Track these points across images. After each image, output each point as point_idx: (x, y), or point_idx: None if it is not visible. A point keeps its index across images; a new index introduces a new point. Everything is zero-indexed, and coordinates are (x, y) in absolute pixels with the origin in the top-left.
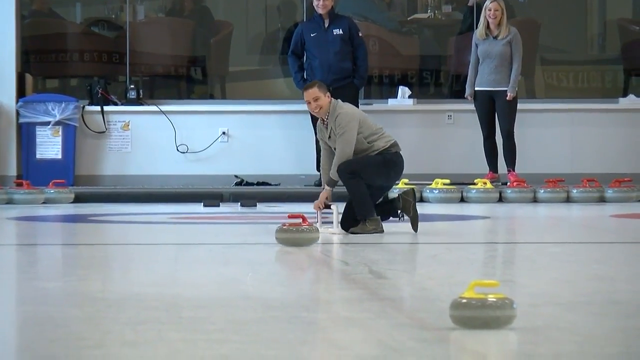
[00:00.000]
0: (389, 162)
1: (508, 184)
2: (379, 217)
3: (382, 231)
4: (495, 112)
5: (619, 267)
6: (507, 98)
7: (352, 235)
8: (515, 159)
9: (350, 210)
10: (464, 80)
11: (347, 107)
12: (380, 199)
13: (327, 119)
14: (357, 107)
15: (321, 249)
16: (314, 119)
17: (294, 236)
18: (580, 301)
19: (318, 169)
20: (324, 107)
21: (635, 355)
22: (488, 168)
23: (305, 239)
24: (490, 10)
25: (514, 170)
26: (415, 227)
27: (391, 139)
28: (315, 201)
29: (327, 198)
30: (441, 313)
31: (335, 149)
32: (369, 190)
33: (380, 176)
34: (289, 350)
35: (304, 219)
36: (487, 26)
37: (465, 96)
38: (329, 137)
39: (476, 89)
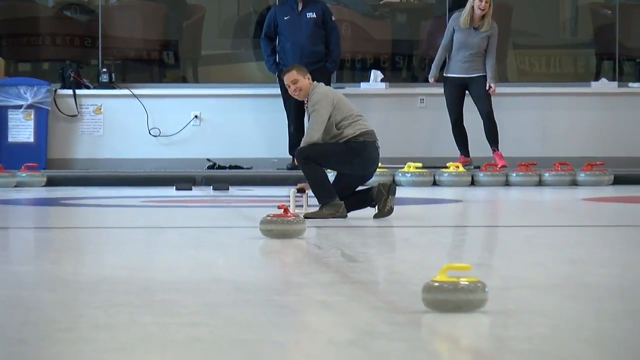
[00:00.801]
0: (352, 151)
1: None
2: (342, 201)
3: (344, 216)
4: (463, 99)
5: (591, 250)
6: (491, 90)
7: (329, 219)
8: (497, 138)
9: (339, 185)
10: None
11: (324, 88)
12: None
13: (307, 102)
14: None
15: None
16: (287, 103)
17: (281, 228)
18: (552, 284)
19: (291, 152)
20: (304, 89)
21: (608, 338)
22: (459, 152)
23: (292, 231)
24: (481, 1)
25: (498, 150)
26: (376, 216)
27: (363, 127)
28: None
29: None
30: (413, 296)
31: None
32: (348, 179)
33: (342, 165)
34: (261, 333)
35: (286, 210)
36: (471, 16)
37: (429, 77)
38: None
39: (448, 75)
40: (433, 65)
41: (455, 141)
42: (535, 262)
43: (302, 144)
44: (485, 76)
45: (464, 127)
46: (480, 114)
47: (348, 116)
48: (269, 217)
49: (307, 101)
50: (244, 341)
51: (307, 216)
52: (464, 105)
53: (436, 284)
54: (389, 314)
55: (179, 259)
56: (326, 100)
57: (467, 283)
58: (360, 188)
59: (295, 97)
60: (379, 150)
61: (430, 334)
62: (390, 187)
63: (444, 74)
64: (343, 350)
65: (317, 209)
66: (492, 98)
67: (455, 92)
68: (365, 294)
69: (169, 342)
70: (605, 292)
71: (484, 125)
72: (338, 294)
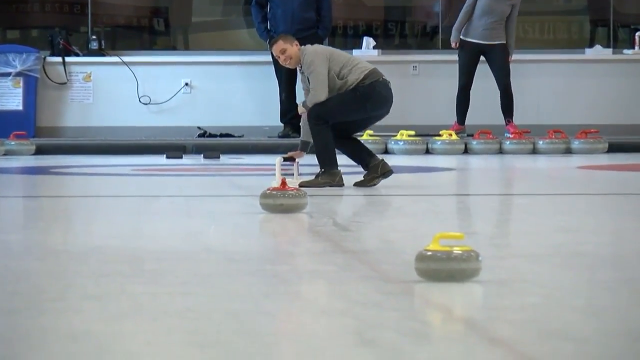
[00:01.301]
0: (362, 96)
1: (507, 135)
2: (339, 170)
3: (341, 185)
4: (476, 66)
5: (585, 219)
6: (510, 59)
7: (321, 187)
8: (513, 110)
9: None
10: (430, 30)
11: (313, 47)
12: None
13: (301, 67)
14: None
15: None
16: (278, 70)
17: (282, 202)
18: (545, 253)
19: (282, 120)
20: (293, 57)
21: (601, 307)
22: (455, 119)
23: (293, 205)
24: None
25: (512, 121)
26: (356, 185)
27: (365, 69)
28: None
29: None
30: (406, 265)
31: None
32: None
33: (355, 112)
34: (252, 303)
35: (284, 183)
36: None
37: (451, 42)
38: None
39: (467, 39)
40: (455, 29)
41: (457, 107)
42: (528, 230)
43: (309, 105)
44: (504, 44)
45: (470, 95)
46: (497, 84)
47: (346, 64)
48: (269, 191)
49: (301, 66)
50: (235, 311)
51: (303, 184)
52: (474, 73)
53: (429, 253)
54: (381, 283)
55: (170, 228)
56: (319, 57)
57: (460, 252)
58: (368, 148)
59: (287, 66)
60: (389, 84)
61: (423, 304)
62: (387, 173)
63: (461, 37)
64: (335, 320)
65: (308, 178)
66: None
67: (472, 57)
68: (357, 263)
69: (159, 313)
70: (599, 260)
71: (501, 96)
72: (330, 263)
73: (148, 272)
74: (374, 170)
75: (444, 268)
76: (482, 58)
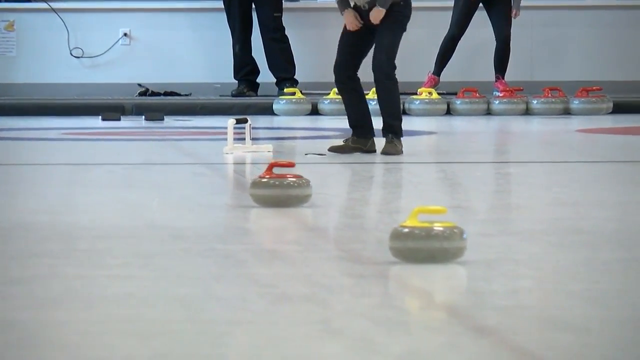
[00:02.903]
0: (405, 20)
1: (496, 94)
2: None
3: (373, 151)
4: (473, 16)
5: (585, 190)
6: (514, 14)
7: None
8: (507, 66)
9: (358, 114)
10: None
11: None
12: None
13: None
14: None
15: (237, 169)
16: (232, 18)
17: (279, 193)
18: (540, 230)
19: (235, 76)
20: None
21: (602, 292)
22: (432, 70)
23: (295, 197)
24: None
25: (503, 78)
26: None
27: None
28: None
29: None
30: (379, 244)
31: None
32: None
33: (400, 36)
34: (202, 287)
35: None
36: None
37: None
38: None
39: None
40: None
41: (439, 56)
42: (520, 204)
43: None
44: None
45: (456, 47)
46: (496, 36)
47: None
48: (263, 179)
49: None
50: (183, 296)
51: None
52: (469, 24)
53: (406, 230)
54: (350, 265)
55: (107, 201)
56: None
57: (441, 229)
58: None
59: None
60: None
61: (399, 289)
62: (370, 152)
63: None
64: (297, 307)
65: (264, 144)
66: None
67: (472, 6)
68: (323, 242)
69: (96, 298)
70: (599, 239)
71: (496, 49)
72: (291, 242)
73: (82, 252)
74: (362, 143)
75: (423, 247)
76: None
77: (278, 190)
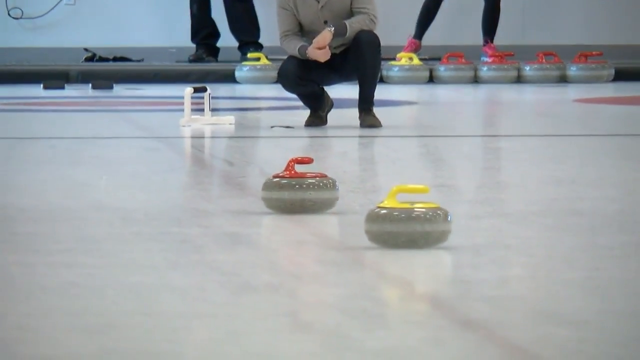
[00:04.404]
0: None
1: (484, 59)
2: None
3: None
4: None
5: (583, 167)
6: None
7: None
8: (496, 29)
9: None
10: None
11: None
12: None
13: None
14: None
15: (195, 143)
16: None
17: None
18: (533, 211)
19: (193, 39)
20: None
21: (603, 281)
22: (413, 33)
23: (320, 202)
24: None
25: (492, 42)
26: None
27: None
28: (316, 43)
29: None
30: (354, 227)
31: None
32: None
33: None
34: (156, 275)
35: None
36: None
37: None
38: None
39: None
40: None
41: (420, 17)
42: (512, 182)
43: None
44: None
45: (439, 7)
46: None
47: None
48: (277, 179)
49: None
50: (133, 286)
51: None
52: None
53: (383, 211)
54: (322, 250)
55: (49, 180)
56: None
57: (423, 210)
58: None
59: None
60: None
61: (376, 277)
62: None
63: None
64: (262, 297)
65: (225, 116)
66: None
67: None
68: (291, 224)
69: (36, 288)
70: (599, 221)
71: (485, 9)
72: (255, 225)
73: (20, 237)
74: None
75: (403, 231)
76: None
77: (299, 193)
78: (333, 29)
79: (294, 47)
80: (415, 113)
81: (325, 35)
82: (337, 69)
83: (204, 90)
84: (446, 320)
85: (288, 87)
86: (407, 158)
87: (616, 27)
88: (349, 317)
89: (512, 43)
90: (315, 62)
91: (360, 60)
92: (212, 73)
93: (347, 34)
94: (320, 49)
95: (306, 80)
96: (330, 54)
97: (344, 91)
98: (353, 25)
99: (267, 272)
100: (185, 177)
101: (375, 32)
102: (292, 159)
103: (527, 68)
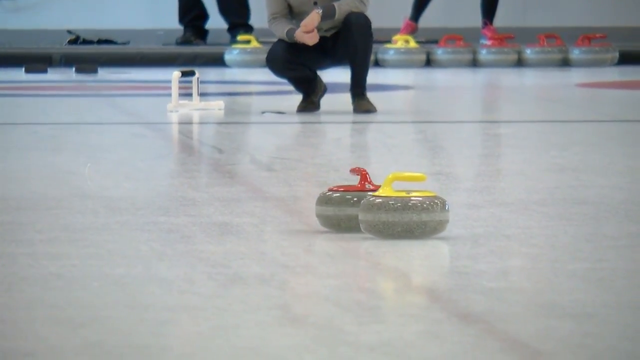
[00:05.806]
0: None
1: (483, 42)
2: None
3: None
4: None
5: (587, 154)
6: None
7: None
8: (496, 10)
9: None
10: None
11: None
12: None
13: None
14: None
15: (182, 129)
16: None
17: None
18: (534, 200)
19: (181, 21)
20: None
21: (608, 272)
22: (409, 15)
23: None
24: None
25: (491, 24)
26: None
27: None
28: (304, 26)
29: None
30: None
31: None
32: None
33: None
34: (141, 267)
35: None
36: None
37: None
38: None
39: None
40: None
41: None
42: (512, 170)
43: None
44: None
45: None
46: None
47: None
48: (333, 193)
49: None
50: (119, 277)
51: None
52: None
53: (378, 200)
54: (314, 241)
55: (31, 167)
56: None
57: (420, 199)
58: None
59: None
60: None
61: (371, 268)
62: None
63: None
64: (252, 289)
65: (214, 101)
66: None
67: None
68: (282, 213)
69: (17, 280)
70: (604, 210)
71: None
72: (246, 213)
73: (1, 226)
74: (312, 101)
75: (399, 220)
76: None
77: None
78: (321, 11)
79: (282, 30)
80: (411, 98)
81: (313, 18)
82: (327, 53)
83: (192, 74)
84: (444, 313)
85: (277, 72)
86: (403, 145)
87: (620, 8)
88: (343, 310)
89: (513, 25)
90: (305, 46)
91: (351, 43)
92: (201, 56)
93: (336, 16)
94: (308, 32)
95: (296, 65)
96: (318, 38)
97: (338, 75)
98: (342, 7)
99: (257, 263)
100: (173, 165)
101: (366, 14)
102: (344, 186)
103: (528, 51)
